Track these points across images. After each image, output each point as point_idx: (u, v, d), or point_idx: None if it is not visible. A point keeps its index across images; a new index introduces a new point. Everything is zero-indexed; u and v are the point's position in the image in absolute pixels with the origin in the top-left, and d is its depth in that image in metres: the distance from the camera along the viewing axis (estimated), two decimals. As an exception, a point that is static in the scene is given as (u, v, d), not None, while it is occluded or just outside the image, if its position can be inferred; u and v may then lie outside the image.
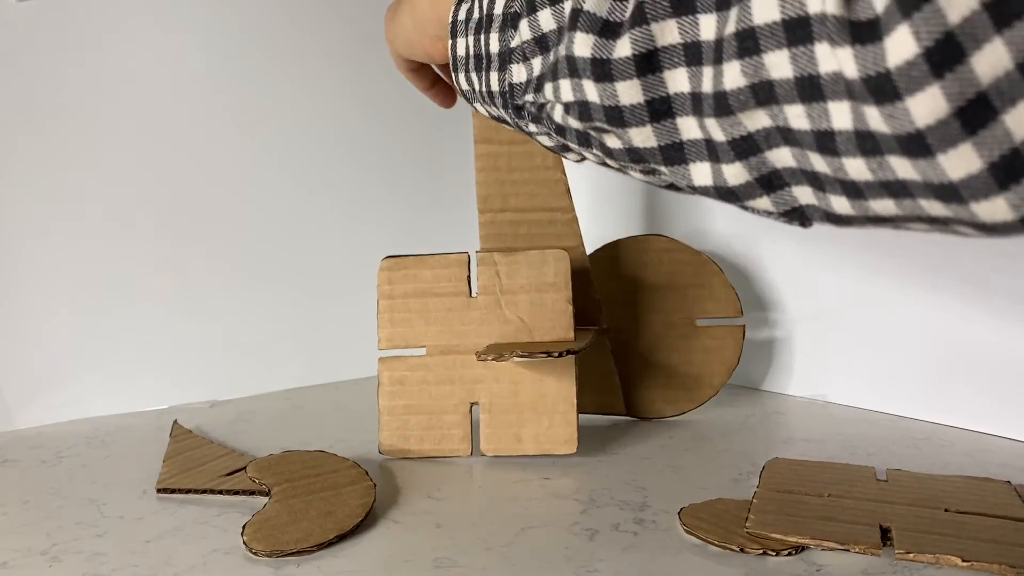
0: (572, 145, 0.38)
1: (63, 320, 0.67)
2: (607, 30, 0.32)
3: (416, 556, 0.43)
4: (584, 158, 0.40)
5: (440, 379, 0.57)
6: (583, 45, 0.33)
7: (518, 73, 0.38)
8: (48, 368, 0.67)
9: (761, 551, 0.42)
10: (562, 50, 0.34)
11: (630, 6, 0.32)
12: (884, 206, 0.27)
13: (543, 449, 0.56)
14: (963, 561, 0.39)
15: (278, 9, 0.71)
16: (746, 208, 0.33)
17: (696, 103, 0.30)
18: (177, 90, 0.68)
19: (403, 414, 0.58)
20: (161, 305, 0.69)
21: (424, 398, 0.58)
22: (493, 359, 0.51)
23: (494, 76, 0.40)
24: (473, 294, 0.57)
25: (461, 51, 0.42)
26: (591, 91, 0.33)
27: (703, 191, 0.33)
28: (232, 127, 0.71)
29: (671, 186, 0.36)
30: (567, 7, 0.34)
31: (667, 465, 0.55)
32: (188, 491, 0.52)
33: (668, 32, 0.30)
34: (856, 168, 0.26)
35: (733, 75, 0.28)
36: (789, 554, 0.42)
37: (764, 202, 0.31)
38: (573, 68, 0.33)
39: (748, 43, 0.27)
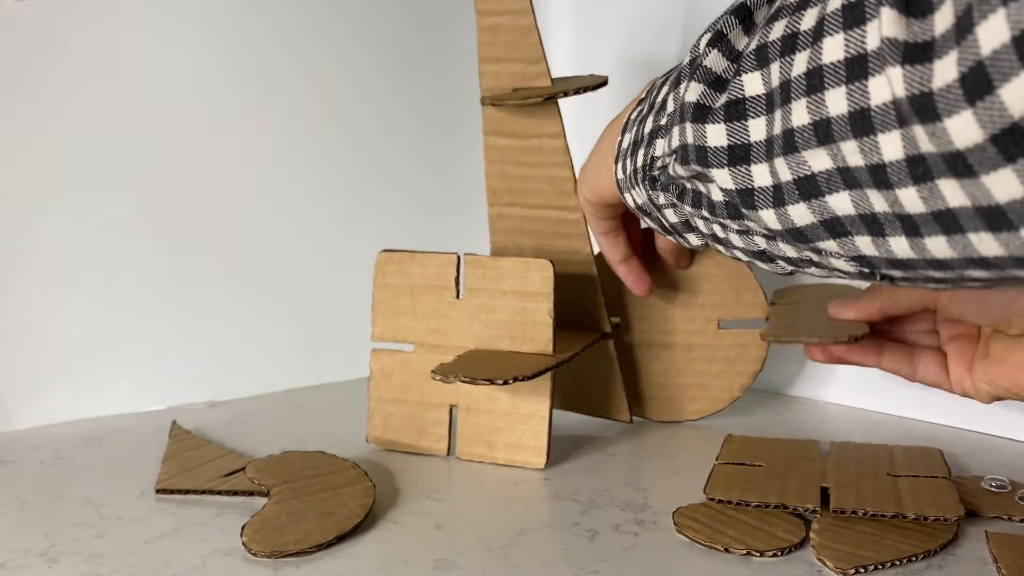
0: (688, 210, 0.40)
1: (61, 320, 0.67)
2: (717, 84, 0.36)
3: (416, 557, 0.43)
4: (703, 239, 0.42)
5: (424, 376, 0.57)
6: (693, 92, 0.36)
7: (660, 146, 0.40)
8: (46, 369, 0.66)
9: (744, 551, 0.42)
10: (680, 101, 0.37)
11: (737, 67, 0.35)
12: (938, 246, 0.27)
13: (513, 459, 0.55)
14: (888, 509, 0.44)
15: (277, 6, 0.71)
16: (820, 254, 0.34)
17: (769, 148, 0.32)
18: (175, 90, 0.68)
19: (389, 407, 0.58)
20: (160, 305, 0.69)
21: (408, 393, 0.58)
22: (440, 379, 0.51)
23: (640, 152, 0.43)
24: (460, 295, 0.57)
25: (625, 144, 0.45)
26: (688, 133, 0.36)
27: (777, 236, 0.35)
28: (232, 128, 0.71)
29: (764, 254, 0.38)
30: (696, 65, 0.37)
31: (668, 466, 0.55)
32: (187, 492, 0.52)
33: (752, 84, 0.33)
34: (909, 199, 0.27)
35: (800, 112, 0.30)
36: (774, 555, 0.42)
37: (831, 245, 0.32)
38: (683, 114, 0.37)
39: (815, 80, 0.29)
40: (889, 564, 0.40)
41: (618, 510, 0.48)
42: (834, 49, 0.27)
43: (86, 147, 0.66)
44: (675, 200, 0.41)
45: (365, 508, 0.48)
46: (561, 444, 0.58)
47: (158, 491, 0.52)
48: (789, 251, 0.36)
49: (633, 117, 0.45)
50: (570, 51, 0.80)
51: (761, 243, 0.37)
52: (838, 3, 0.28)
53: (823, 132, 0.29)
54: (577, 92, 0.56)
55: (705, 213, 0.39)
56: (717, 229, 0.39)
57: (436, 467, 0.56)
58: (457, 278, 0.57)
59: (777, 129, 0.31)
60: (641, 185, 0.43)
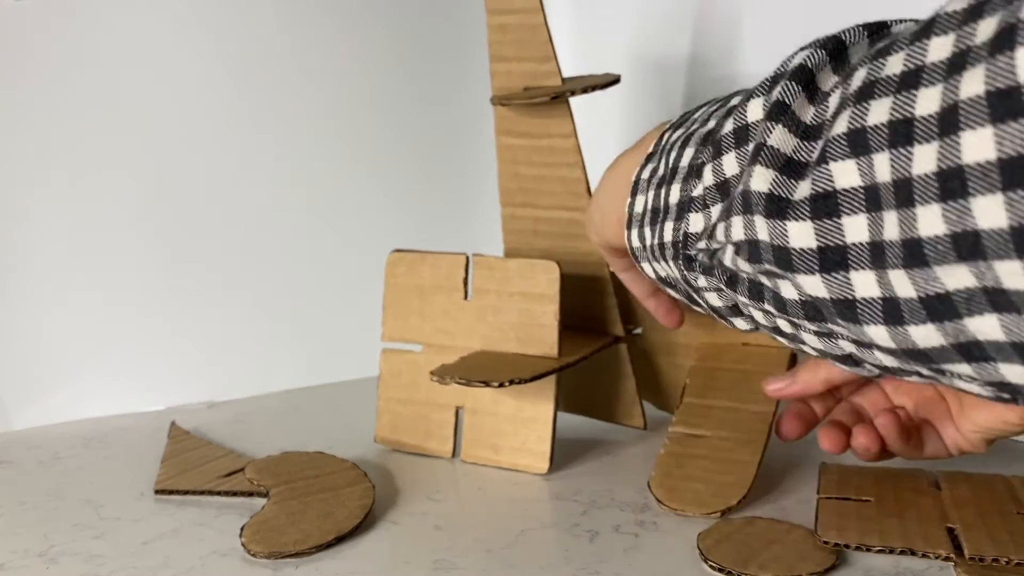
0: (742, 300, 0.35)
1: (61, 321, 0.67)
2: (790, 168, 0.30)
3: (415, 558, 0.43)
4: (755, 325, 0.37)
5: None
6: (761, 180, 0.30)
7: (695, 222, 0.35)
8: (46, 369, 0.66)
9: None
10: (740, 187, 0.32)
11: (818, 147, 0.29)
12: None
13: (516, 463, 0.55)
14: None
15: (285, 6, 0.71)
16: (943, 374, 0.28)
17: (877, 255, 0.27)
18: (177, 88, 0.68)
19: (397, 407, 0.58)
20: (159, 305, 0.69)
21: (416, 394, 0.58)
22: (437, 380, 0.51)
23: (669, 226, 0.37)
24: (468, 296, 0.57)
25: (639, 208, 0.40)
26: (761, 228, 0.30)
27: (882, 350, 0.30)
28: (232, 127, 0.71)
29: (849, 358, 0.33)
30: (751, 146, 0.32)
31: (668, 466, 0.55)
32: (186, 492, 0.52)
33: (846, 174, 0.27)
34: None
35: (931, 220, 0.24)
36: None
37: (964, 368, 0.27)
38: (747, 204, 0.31)
39: (953, 183, 0.23)
40: None
41: (618, 511, 0.48)
42: (979, 146, 0.22)
43: (86, 147, 0.66)
44: (722, 286, 0.35)
45: (364, 508, 0.47)
46: (562, 445, 0.58)
47: (157, 492, 0.52)
48: (889, 362, 0.30)
49: (646, 177, 0.40)
50: (573, 50, 0.79)
51: (848, 347, 0.32)
52: (979, 87, 0.22)
53: (968, 246, 0.23)
54: (585, 91, 0.54)
55: (768, 308, 0.33)
56: (783, 325, 0.34)
57: (436, 467, 0.56)
58: (466, 279, 0.57)
59: (892, 235, 0.26)
60: (671, 263, 0.38)
